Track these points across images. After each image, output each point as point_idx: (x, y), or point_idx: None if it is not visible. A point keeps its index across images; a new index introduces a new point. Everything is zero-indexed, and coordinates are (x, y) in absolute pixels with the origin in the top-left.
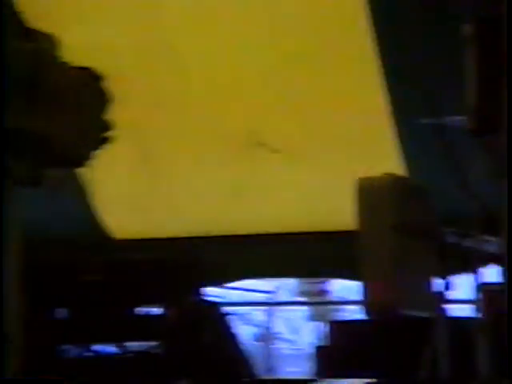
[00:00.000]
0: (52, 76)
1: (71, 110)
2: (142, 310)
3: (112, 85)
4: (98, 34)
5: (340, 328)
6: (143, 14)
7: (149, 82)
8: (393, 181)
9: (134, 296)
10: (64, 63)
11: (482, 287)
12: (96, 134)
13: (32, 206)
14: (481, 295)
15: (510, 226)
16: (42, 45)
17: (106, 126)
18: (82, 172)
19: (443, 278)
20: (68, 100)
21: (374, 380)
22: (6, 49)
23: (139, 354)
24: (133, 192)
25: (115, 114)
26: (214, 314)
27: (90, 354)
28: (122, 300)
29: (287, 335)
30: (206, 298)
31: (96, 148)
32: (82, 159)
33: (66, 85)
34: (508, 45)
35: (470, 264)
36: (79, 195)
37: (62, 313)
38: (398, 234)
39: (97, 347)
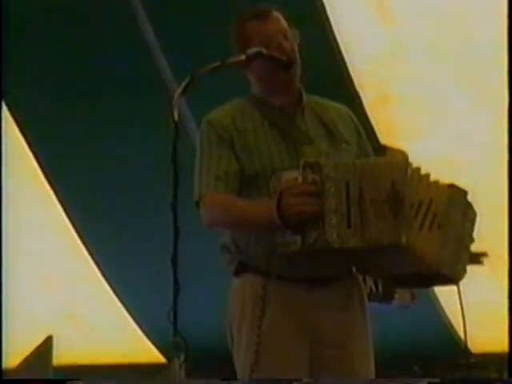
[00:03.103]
0: (415, 190)
1: (441, 226)
2: None
3: (472, 198)
4: (443, 146)
5: None
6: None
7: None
8: None
9: None
10: (425, 177)
11: None
12: (466, 249)
13: None
14: None
15: (510, 227)
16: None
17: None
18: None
19: None
20: (436, 215)
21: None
22: None
23: None
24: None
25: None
26: None
27: None
28: None
29: None
30: None
31: (466, 265)
32: (455, 277)
33: (429, 199)
34: (508, 45)
35: None
36: (431, 308)
37: None
38: None
39: None
